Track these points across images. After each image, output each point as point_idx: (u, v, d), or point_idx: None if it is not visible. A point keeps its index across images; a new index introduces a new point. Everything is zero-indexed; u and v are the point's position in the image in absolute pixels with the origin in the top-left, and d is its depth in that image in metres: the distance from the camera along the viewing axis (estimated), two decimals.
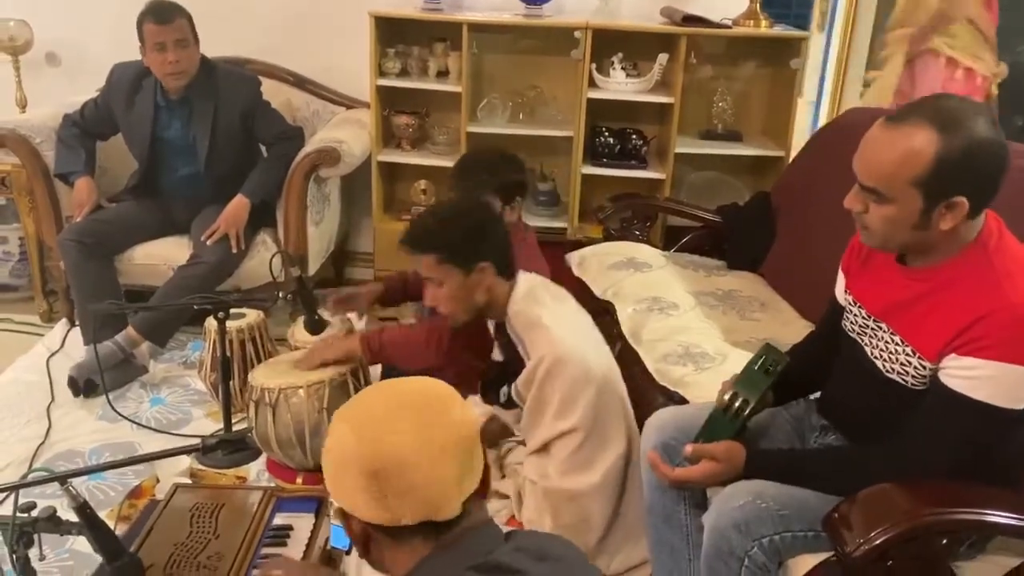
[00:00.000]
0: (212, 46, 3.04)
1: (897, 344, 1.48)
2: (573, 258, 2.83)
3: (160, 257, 3.02)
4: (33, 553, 1.46)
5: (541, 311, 1.92)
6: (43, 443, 2.50)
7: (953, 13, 2.88)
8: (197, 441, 1.70)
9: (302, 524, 1.80)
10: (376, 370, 2.42)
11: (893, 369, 1.49)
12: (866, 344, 1.56)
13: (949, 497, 1.41)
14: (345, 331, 2.47)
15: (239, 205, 2.95)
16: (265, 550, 1.73)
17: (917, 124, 1.35)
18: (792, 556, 1.49)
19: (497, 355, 2.13)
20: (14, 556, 1.42)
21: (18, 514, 1.42)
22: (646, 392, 2.11)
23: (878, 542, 1.34)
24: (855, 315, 1.60)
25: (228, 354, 2.41)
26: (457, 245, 1.91)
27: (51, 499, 1.60)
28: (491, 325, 2.12)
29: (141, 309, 2.86)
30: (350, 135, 3.20)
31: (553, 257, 2.57)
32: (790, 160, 3.17)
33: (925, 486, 1.42)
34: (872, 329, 1.54)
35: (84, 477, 2.26)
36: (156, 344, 2.90)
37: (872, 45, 3.46)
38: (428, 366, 2.06)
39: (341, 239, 3.63)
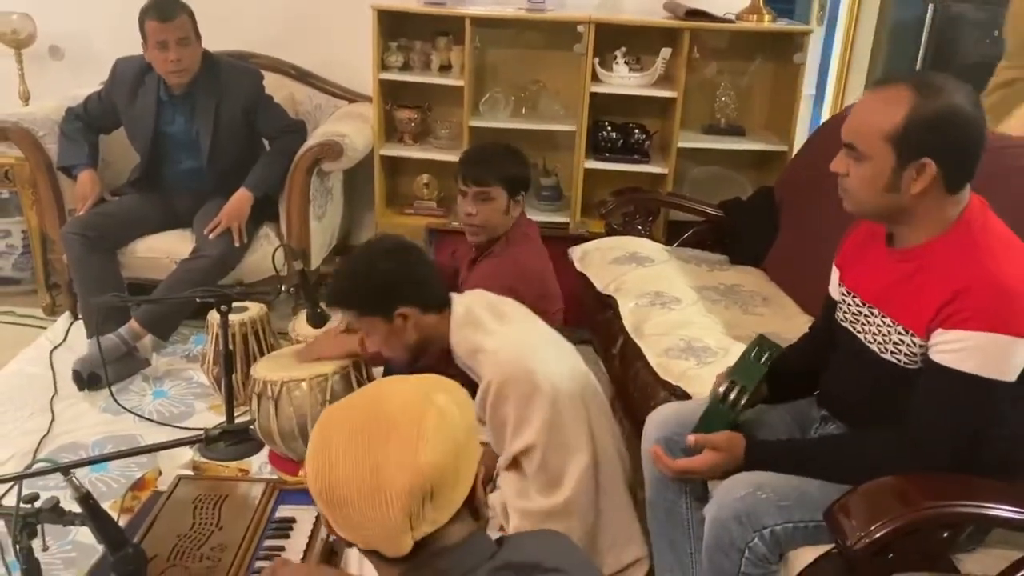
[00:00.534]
0: (215, 40, 3.04)
1: (889, 326, 1.50)
2: (575, 253, 2.83)
3: (163, 251, 3.02)
4: (36, 544, 1.47)
5: (482, 338, 1.91)
6: (46, 436, 2.51)
7: None
8: (200, 433, 1.70)
9: (305, 516, 1.81)
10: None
11: (887, 350, 1.50)
12: (859, 332, 1.58)
13: (950, 490, 1.41)
14: (346, 325, 2.47)
15: (241, 199, 2.96)
16: (268, 542, 1.74)
17: (898, 86, 1.42)
18: (793, 548, 1.49)
19: None
20: (18, 547, 1.43)
21: (21, 505, 1.42)
22: (648, 387, 2.10)
23: (879, 535, 1.34)
24: (849, 304, 1.61)
25: (231, 347, 2.43)
26: (369, 299, 1.95)
27: (54, 490, 1.60)
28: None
29: (144, 302, 2.86)
30: (352, 129, 3.20)
31: (556, 252, 2.58)
32: (793, 155, 3.17)
33: (926, 479, 1.42)
34: (865, 316, 1.56)
35: (87, 469, 2.27)
36: (159, 337, 2.91)
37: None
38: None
39: (343, 233, 3.63)
